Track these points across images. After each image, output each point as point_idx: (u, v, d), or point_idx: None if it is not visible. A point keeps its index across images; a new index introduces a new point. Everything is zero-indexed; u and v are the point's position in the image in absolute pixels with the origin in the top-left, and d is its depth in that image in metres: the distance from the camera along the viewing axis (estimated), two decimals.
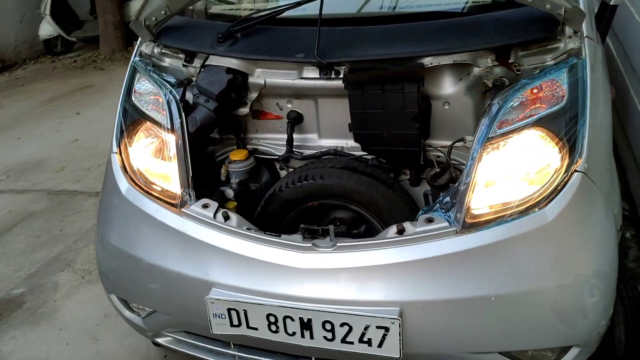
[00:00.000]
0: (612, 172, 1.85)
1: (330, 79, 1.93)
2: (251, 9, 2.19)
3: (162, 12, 2.08)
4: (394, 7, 2.07)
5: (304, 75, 1.98)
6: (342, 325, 1.69)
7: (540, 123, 1.69)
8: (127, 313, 2.16)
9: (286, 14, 2.02)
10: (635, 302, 1.94)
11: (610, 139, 1.90)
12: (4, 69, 8.83)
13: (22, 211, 4.07)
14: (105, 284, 2.16)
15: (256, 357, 1.98)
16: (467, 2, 2.04)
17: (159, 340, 2.15)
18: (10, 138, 5.79)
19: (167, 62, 2.24)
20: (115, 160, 2.09)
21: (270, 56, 1.96)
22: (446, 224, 1.68)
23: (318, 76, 1.94)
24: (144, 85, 2.13)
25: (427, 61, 1.83)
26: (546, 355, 1.75)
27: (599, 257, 1.68)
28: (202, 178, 2.11)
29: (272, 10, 2.01)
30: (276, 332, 1.78)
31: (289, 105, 2.13)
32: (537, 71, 1.84)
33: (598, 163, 1.73)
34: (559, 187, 1.64)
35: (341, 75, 1.90)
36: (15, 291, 3.11)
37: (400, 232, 1.71)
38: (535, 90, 1.74)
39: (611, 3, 2.17)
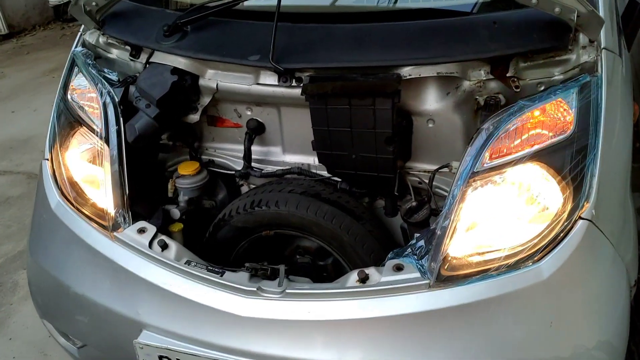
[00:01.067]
0: (626, 210, 1.52)
1: (290, 86, 1.61)
2: None
3: None
4: (374, 2, 1.73)
5: (261, 81, 1.65)
6: None
7: (539, 156, 1.36)
8: (62, 340, 1.89)
9: (245, 4, 1.70)
10: None
11: (628, 171, 1.57)
12: (12, 35, 8.56)
13: None
14: (36, 308, 1.90)
15: None
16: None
17: None
18: (5, 111, 5.56)
19: (114, 53, 1.93)
20: (47, 168, 1.81)
21: (220, 57, 1.64)
22: (418, 274, 1.37)
23: (276, 83, 1.62)
24: (81, 82, 1.83)
25: (406, 72, 1.49)
26: None
27: (604, 325, 1.37)
28: (148, 192, 1.82)
29: (228, 0, 1.68)
30: None
31: (249, 113, 1.81)
32: (542, 87, 1.50)
33: (609, 206, 1.41)
34: (559, 237, 1.32)
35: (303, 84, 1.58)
36: None
37: (363, 280, 1.41)
38: (536, 114, 1.41)
39: None
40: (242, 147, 1.85)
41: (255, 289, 1.45)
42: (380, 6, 1.71)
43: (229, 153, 1.91)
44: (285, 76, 1.59)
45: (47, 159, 1.82)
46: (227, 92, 1.72)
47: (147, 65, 1.78)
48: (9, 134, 4.91)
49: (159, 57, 1.75)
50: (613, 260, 1.38)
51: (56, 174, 1.78)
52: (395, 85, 1.47)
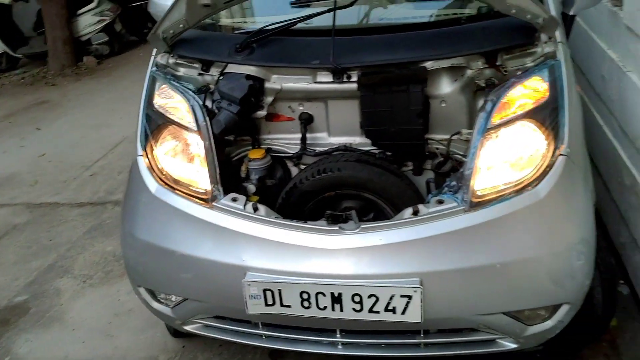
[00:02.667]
0: (585, 154, 2.16)
1: (342, 82, 2.18)
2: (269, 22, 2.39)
3: (181, 25, 2.26)
4: (393, 19, 2.35)
5: (318, 80, 2.22)
6: (369, 296, 1.92)
7: (528, 115, 1.99)
8: (155, 304, 2.31)
9: (296, 26, 2.26)
10: (608, 268, 2.27)
11: (583, 125, 2.22)
12: None
13: (5, 224, 4.10)
14: (134, 277, 2.31)
15: (283, 335, 2.19)
16: (457, 14, 2.33)
17: (187, 327, 2.31)
18: None
19: (181, 71, 2.42)
20: (142, 162, 2.24)
21: (289, 63, 2.20)
22: (455, 204, 1.94)
23: (331, 80, 2.19)
24: (165, 93, 2.30)
25: (429, 65, 2.11)
26: (540, 314, 2.03)
27: (583, 227, 1.97)
28: (225, 175, 2.30)
29: (285, 23, 2.24)
30: (308, 307, 1.98)
31: (301, 108, 2.36)
32: (520, 72, 2.14)
33: (576, 147, 2.03)
34: (547, 169, 1.93)
35: (353, 79, 2.15)
36: (18, 298, 3.19)
37: (416, 213, 1.96)
38: (522, 87, 2.05)
39: (570, 13, 2.51)
40: (293, 136, 2.39)
41: (337, 228, 1.97)
42: (402, 21, 2.32)
43: (282, 142, 2.44)
44: (339, 74, 2.16)
45: (141, 155, 2.26)
46: (289, 91, 2.27)
47: (222, 76, 2.29)
48: None
49: (233, 68, 2.27)
50: (583, 180, 2.01)
51: (152, 165, 2.23)
52: (424, 74, 2.09)
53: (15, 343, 2.83)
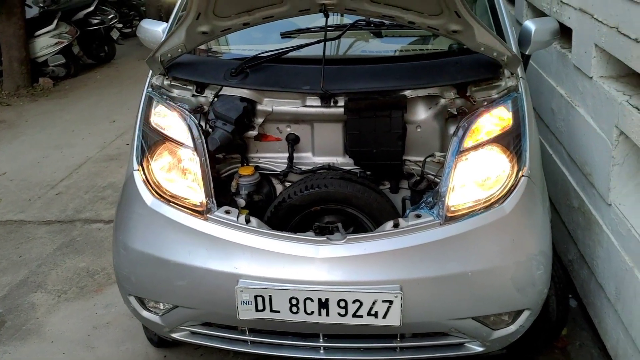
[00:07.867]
0: (543, 176, 2.43)
1: (329, 106, 2.39)
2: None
3: (179, 50, 2.43)
4: (375, 51, 2.60)
5: (307, 104, 2.42)
6: (354, 302, 2.10)
7: (495, 140, 2.24)
8: (144, 312, 2.41)
9: (289, 54, 2.47)
10: (561, 279, 2.54)
11: (540, 150, 2.50)
12: None
13: None
14: (126, 287, 2.41)
15: (268, 340, 2.33)
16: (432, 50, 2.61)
17: (174, 335, 2.43)
18: None
19: (175, 92, 2.57)
20: (138, 176, 2.37)
21: (281, 88, 2.39)
22: (431, 218, 2.16)
23: (319, 104, 2.40)
24: (162, 111, 2.45)
25: (409, 93, 2.35)
26: (504, 319, 2.26)
27: (541, 240, 2.22)
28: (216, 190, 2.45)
29: (278, 51, 2.45)
30: (296, 312, 2.14)
31: (288, 129, 2.56)
32: (486, 103, 2.40)
33: (535, 169, 2.30)
34: (512, 188, 2.18)
35: (339, 104, 2.37)
36: None
37: (396, 225, 2.17)
38: (489, 116, 2.31)
39: (526, 53, 2.82)
40: (279, 155, 2.58)
41: (325, 239, 2.16)
42: (383, 54, 2.57)
43: (269, 160, 2.62)
44: (327, 99, 2.37)
45: (137, 170, 2.39)
46: (279, 113, 2.46)
47: (217, 98, 2.46)
48: None
49: (228, 91, 2.45)
50: (542, 199, 2.27)
51: (148, 179, 2.36)
52: (405, 101, 2.33)
53: None
